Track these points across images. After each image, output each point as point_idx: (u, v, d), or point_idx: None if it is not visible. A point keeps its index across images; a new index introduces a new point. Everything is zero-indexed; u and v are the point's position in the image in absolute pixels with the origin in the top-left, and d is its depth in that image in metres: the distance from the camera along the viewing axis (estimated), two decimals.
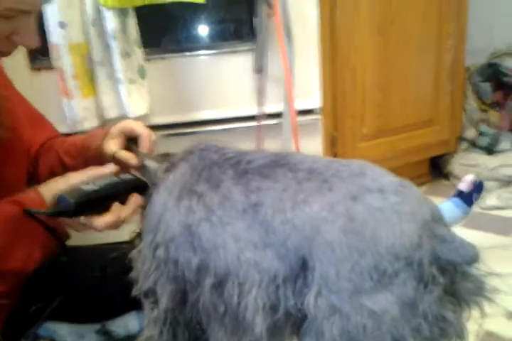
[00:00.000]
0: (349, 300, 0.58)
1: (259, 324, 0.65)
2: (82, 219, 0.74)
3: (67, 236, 0.79)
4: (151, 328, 0.77)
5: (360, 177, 0.64)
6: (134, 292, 0.78)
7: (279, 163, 0.70)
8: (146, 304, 0.78)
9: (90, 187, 0.74)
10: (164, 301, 0.74)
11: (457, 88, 1.99)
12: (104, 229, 0.75)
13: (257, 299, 0.65)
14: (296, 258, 0.63)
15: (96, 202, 0.74)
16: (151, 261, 0.75)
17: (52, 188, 0.75)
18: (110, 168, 0.80)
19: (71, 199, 0.70)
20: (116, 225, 0.76)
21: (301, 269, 0.63)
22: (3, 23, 0.69)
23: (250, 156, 0.73)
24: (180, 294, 0.74)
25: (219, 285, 0.68)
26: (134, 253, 0.80)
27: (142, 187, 0.80)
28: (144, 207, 0.80)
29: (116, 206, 0.75)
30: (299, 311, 0.64)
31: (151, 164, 0.82)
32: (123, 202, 0.78)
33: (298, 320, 0.65)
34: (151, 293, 0.76)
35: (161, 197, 0.75)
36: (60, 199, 0.71)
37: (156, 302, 0.76)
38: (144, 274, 0.76)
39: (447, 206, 1.47)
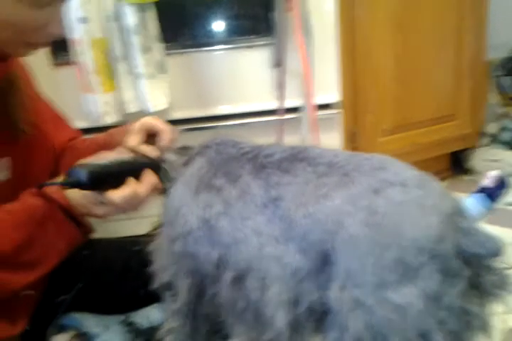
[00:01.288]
0: (373, 294, 0.58)
1: (281, 319, 0.65)
2: (99, 196, 0.73)
3: (92, 230, 0.80)
4: (172, 320, 0.78)
5: (381, 171, 0.63)
6: (154, 285, 0.78)
7: (297, 157, 0.70)
8: (167, 297, 0.78)
9: (103, 161, 0.74)
10: (183, 294, 0.75)
11: (478, 82, 1.96)
12: (122, 204, 0.73)
13: (278, 293, 0.65)
14: (318, 252, 0.63)
15: (109, 174, 0.74)
16: (169, 254, 0.75)
17: (72, 191, 0.75)
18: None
19: (84, 170, 0.70)
20: (134, 202, 0.75)
21: (324, 263, 0.63)
22: (35, 17, 0.69)
23: (268, 150, 0.73)
24: (198, 288, 0.75)
25: (239, 279, 0.68)
26: (153, 246, 0.80)
27: (156, 168, 0.80)
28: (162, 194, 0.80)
29: (131, 181, 0.75)
30: (321, 305, 0.64)
31: (170, 157, 0.82)
32: (137, 178, 0.77)
33: (320, 315, 0.65)
34: (170, 286, 0.77)
35: (179, 191, 0.76)
36: (73, 172, 0.71)
37: (175, 295, 0.76)
38: (163, 267, 0.77)
39: (470, 202, 1.46)
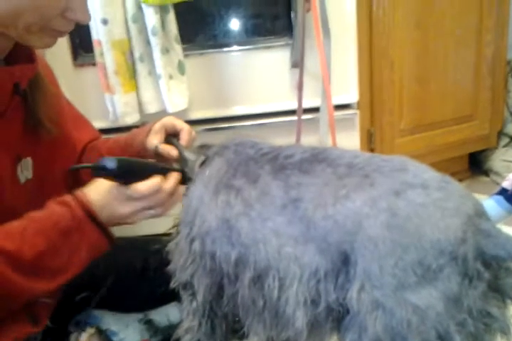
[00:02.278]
0: (393, 296, 0.58)
1: (300, 318, 0.66)
2: (125, 189, 0.74)
3: (114, 241, 0.81)
4: (190, 320, 0.79)
5: (401, 172, 0.63)
6: (172, 284, 0.79)
7: (317, 158, 0.70)
8: (185, 296, 0.79)
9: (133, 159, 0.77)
10: (201, 294, 0.76)
11: (498, 82, 1.94)
12: (147, 195, 0.74)
13: (297, 293, 0.65)
14: (337, 253, 0.63)
15: (136, 167, 0.75)
16: (187, 254, 0.76)
17: (97, 187, 0.76)
18: None
19: (113, 158, 0.72)
20: (159, 197, 0.75)
21: (343, 264, 0.63)
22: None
23: (287, 151, 0.74)
24: (216, 287, 0.75)
25: (258, 279, 0.69)
26: (171, 246, 0.81)
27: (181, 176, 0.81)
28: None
29: (156, 176, 0.76)
30: (340, 306, 0.64)
31: (190, 156, 0.83)
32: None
33: (339, 315, 0.65)
34: (188, 285, 0.78)
35: (197, 191, 0.76)
36: (101, 160, 0.72)
37: (193, 294, 0.77)
38: (181, 267, 0.77)
39: (489, 204, 1.43)
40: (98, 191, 0.75)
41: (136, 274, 1.03)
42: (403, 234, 0.58)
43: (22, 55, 0.78)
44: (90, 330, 0.96)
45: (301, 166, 0.70)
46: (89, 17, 0.75)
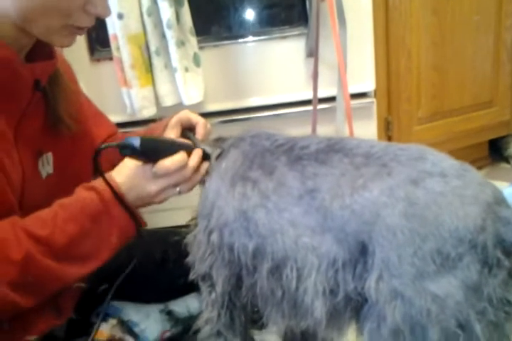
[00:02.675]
0: (412, 285, 0.58)
1: (319, 308, 0.66)
2: (150, 167, 0.75)
3: (144, 224, 0.82)
4: (210, 311, 0.80)
5: (419, 161, 0.63)
6: (191, 276, 0.80)
7: (333, 148, 0.70)
8: (204, 288, 0.80)
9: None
10: (220, 285, 0.76)
11: None
12: (173, 171, 0.75)
13: (316, 283, 0.66)
14: (355, 243, 0.63)
15: (161, 145, 0.77)
16: (206, 246, 0.77)
17: (123, 169, 0.77)
18: None
19: (137, 137, 0.73)
20: (185, 173, 0.77)
21: (361, 254, 0.63)
22: None
23: (303, 142, 0.74)
24: (235, 278, 0.76)
25: (276, 269, 0.69)
26: (189, 238, 0.82)
27: (204, 155, 0.82)
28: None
29: (181, 152, 0.77)
30: (359, 295, 0.64)
31: (206, 149, 0.84)
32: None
33: (357, 304, 0.66)
34: (207, 277, 0.78)
35: (214, 184, 0.77)
36: (127, 139, 0.74)
37: (212, 286, 0.78)
38: (200, 259, 0.78)
39: (509, 191, 1.42)
40: (124, 173, 0.77)
41: (156, 265, 1.05)
42: (422, 222, 0.58)
43: (42, 52, 0.79)
44: (112, 321, 0.98)
45: (317, 157, 0.70)
46: (109, 11, 0.76)
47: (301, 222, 0.67)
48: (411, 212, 0.58)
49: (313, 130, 1.54)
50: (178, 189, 0.79)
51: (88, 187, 0.76)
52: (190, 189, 0.81)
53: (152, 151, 0.75)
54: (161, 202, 0.80)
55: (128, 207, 0.76)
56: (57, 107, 0.83)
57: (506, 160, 2.09)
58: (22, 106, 0.76)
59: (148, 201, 0.78)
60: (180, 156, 0.76)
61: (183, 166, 0.76)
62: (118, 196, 0.75)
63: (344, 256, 0.64)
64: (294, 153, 0.72)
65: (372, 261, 0.62)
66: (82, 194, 0.75)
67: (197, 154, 0.80)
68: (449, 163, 0.63)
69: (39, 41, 0.77)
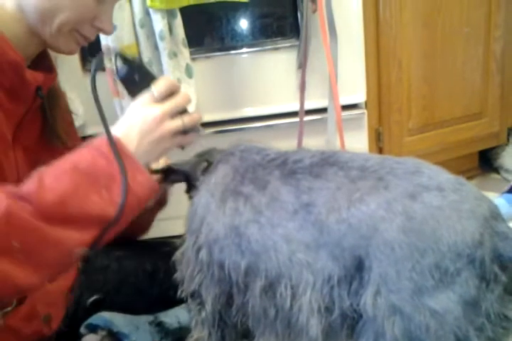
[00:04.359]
0: (410, 300, 0.57)
1: (315, 326, 0.65)
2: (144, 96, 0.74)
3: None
4: (200, 330, 0.78)
5: (416, 175, 0.63)
6: (180, 294, 0.78)
7: (328, 161, 0.70)
8: (193, 306, 0.78)
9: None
10: (210, 304, 0.75)
11: (508, 79, 1.92)
12: (166, 89, 0.74)
13: (311, 301, 0.65)
14: (351, 258, 0.63)
15: (145, 70, 0.78)
16: (194, 263, 0.75)
17: (118, 123, 0.74)
18: None
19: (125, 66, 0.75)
20: (179, 97, 0.75)
21: (357, 269, 0.63)
22: (95, 6, 0.77)
23: (296, 156, 0.73)
24: (225, 297, 0.74)
25: (270, 287, 0.68)
26: (177, 255, 0.80)
27: None
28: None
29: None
30: (354, 312, 0.64)
31: (190, 160, 0.84)
32: None
33: (353, 321, 0.65)
34: (196, 294, 0.77)
35: (203, 199, 0.75)
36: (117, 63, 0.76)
37: (202, 304, 0.76)
38: (189, 276, 0.76)
39: (499, 202, 1.43)
40: (120, 125, 0.73)
41: (146, 276, 1.04)
42: (420, 237, 0.57)
43: (43, 65, 0.83)
44: (102, 333, 0.95)
45: (311, 170, 0.69)
46: (113, 29, 0.83)
47: (296, 237, 0.66)
48: (409, 226, 0.58)
49: (300, 142, 1.53)
50: (180, 121, 0.75)
51: (87, 145, 0.70)
52: (193, 123, 0.76)
53: (140, 75, 0.76)
54: (169, 137, 0.73)
55: (128, 157, 0.68)
56: (54, 122, 0.84)
57: (496, 170, 2.10)
58: (22, 110, 0.78)
59: (156, 135, 0.72)
60: (167, 78, 0.76)
61: (175, 89, 0.76)
62: (117, 147, 0.68)
63: (340, 271, 0.63)
64: (288, 167, 0.71)
65: (368, 276, 0.61)
66: (78, 151, 0.69)
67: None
68: (444, 176, 0.63)
69: (42, 54, 0.82)
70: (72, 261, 0.69)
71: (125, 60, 0.76)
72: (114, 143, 0.68)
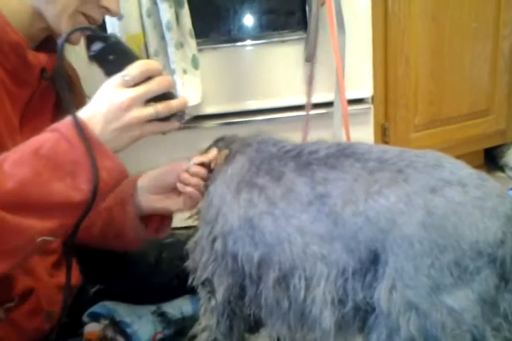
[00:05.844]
0: (427, 297, 0.56)
1: (328, 318, 0.64)
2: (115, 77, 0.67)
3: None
4: (208, 318, 0.77)
5: (437, 168, 0.61)
6: (191, 282, 0.77)
7: (344, 152, 0.68)
8: (203, 294, 0.77)
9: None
10: (221, 293, 0.74)
11: None
12: (139, 73, 0.66)
13: (325, 292, 0.64)
14: (366, 251, 0.61)
15: (122, 48, 0.70)
16: (209, 252, 0.74)
17: (90, 109, 0.66)
18: None
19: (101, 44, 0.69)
20: (154, 81, 0.67)
21: (372, 263, 0.61)
22: None
23: (311, 147, 0.72)
24: (238, 288, 0.74)
25: (283, 279, 0.67)
26: (190, 243, 0.79)
27: None
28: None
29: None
30: (367, 305, 0.63)
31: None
32: None
33: (366, 314, 0.64)
34: (207, 282, 0.76)
35: (219, 190, 0.75)
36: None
37: (212, 292, 0.76)
38: (202, 265, 0.76)
39: None
40: (87, 107, 0.67)
41: (149, 267, 1.03)
42: (441, 233, 0.56)
43: (48, 47, 0.81)
44: (104, 321, 0.95)
45: (327, 161, 0.68)
46: (119, 10, 0.79)
47: (310, 229, 0.65)
48: (429, 221, 0.57)
49: (305, 136, 1.52)
50: (154, 109, 0.68)
51: (51, 129, 0.64)
52: (169, 110, 0.69)
53: (114, 54, 0.68)
54: (138, 125, 0.67)
55: (94, 141, 0.63)
56: (67, 102, 0.79)
57: (501, 169, 2.09)
58: (28, 93, 0.76)
59: (122, 123, 0.65)
60: (141, 61, 0.68)
61: (149, 71, 0.67)
62: (81, 129, 0.63)
63: (354, 264, 0.62)
64: (303, 158, 0.70)
65: (383, 270, 0.60)
66: (40, 135, 0.64)
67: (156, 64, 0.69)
68: (466, 171, 0.62)
69: (46, 39, 0.80)
70: (36, 249, 0.65)
71: (98, 37, 0.69)
72: (79, 126, 0.63)
